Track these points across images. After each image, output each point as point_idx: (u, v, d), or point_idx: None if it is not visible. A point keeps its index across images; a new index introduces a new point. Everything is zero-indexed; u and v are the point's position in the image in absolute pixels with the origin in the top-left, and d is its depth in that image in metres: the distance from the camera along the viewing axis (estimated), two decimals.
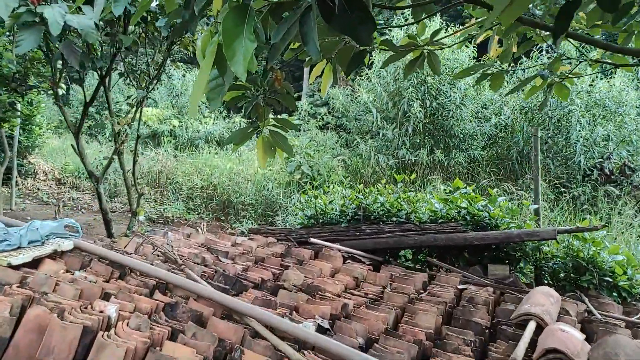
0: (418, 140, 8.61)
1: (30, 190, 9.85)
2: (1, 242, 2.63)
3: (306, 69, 26.00)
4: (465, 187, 4.39)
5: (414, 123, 8.21)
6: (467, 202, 4.24)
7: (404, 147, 8.29)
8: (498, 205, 4.19)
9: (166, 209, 8.53)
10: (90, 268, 2.76)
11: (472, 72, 3.05)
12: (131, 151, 4.55)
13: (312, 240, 4.02)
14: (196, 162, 10.33)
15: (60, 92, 6.91)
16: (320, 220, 4.70)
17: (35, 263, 2.68)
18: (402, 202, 4.50)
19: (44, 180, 10.57)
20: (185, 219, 8.34)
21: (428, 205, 4.43)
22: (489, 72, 3.08)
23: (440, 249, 4.19)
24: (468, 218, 4.07)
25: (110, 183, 9.76)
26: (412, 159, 8.32)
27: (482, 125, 8.80)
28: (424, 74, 8.44)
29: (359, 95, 9.34)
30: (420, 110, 8.23)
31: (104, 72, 3.86)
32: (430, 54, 2.48)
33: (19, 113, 8.68)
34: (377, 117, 8.37)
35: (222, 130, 15.68)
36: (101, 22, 3.49)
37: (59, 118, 17.82)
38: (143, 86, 4.18)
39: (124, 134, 4.11)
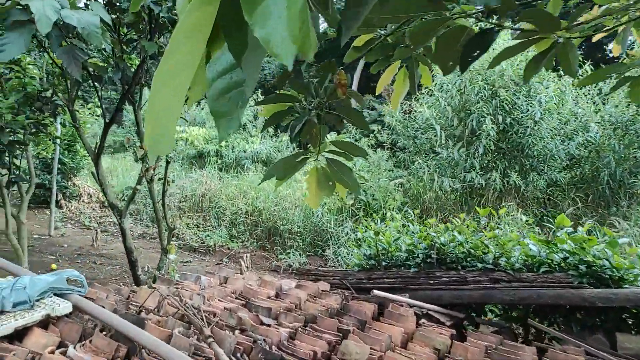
0: (488, 162, 7.64)
1: (73, 213, 9.72)
2: None
3: (355, 80, 25.30)
4: (573, 228, 3.47)
5: (485, 142, 7.26)
6: (573, 244, 3.32)
7: (473, 170, 7.36)
8: (620, 250, 3.25)
9: (208, 236, 8.02)
10: (90, 342, 2.13)
11: (608, 75, 2.23)
12: (160, 179, 4.00)
13: (376, 292, 3.24)
14: (241, 185, 9.84)
15: (99, 112, 6.61)
16: (384, 262, 3.92)
17: (20, 333, 2.08)
18: (488, 243, 3.64)
19: (88, 203, 10.46)
20: (228, 248, 7.79)
21: (522, 247, 3.55)
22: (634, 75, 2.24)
23: (542, 305, 3.29)
24: (583, 268, 3.15)
25: (150, 207, 9.43)
26: (482, 183, 7.36)
27: (566, 143, 7.69)
28: (494, 85, 7.51)
29: (418, 111, 8.51)
30: (492, 127, 7.29)
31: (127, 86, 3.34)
32: (567, 45, 1.70)
33: (57, 136, 8.55)
34: (441, 136, 7.50)
35: (270, 149, 15.30)
36: (123, 29, 2.98)
37: (111, 138, 18.16)
38: None
39: (150, 159, 3.55)
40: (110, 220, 9.26)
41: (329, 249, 7.15)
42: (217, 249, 7.68)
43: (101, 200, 10.70)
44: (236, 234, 8.20)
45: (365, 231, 4.56)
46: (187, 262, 6.98)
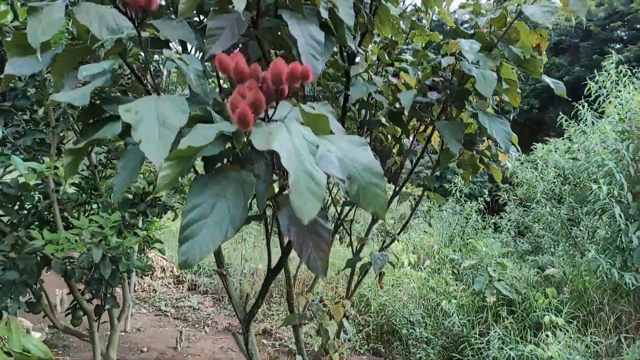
0: None
1: (147, 292, 8.89)
2: None
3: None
4: None
5: None
6: None
7: None
8: None
9: (308, 333, 6.80)
10: None
11: None
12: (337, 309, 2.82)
13: None
14: (333, 261, 8.64)
15: None
16: None
17: None
18: None
19: (162, 279, 9.64)
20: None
21: None
22: None
23: None
24: None
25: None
26: None
27: None
28: None
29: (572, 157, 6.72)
30: None
31: None
32: None
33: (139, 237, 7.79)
34: (621, 217, 5.95)
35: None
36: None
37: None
38: None
39: None
40: (189, 305, 8.30)
41: None
42: (323, 355, 6.42)
43: (175, 275, 9.88)
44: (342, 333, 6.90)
45: None
46: None
